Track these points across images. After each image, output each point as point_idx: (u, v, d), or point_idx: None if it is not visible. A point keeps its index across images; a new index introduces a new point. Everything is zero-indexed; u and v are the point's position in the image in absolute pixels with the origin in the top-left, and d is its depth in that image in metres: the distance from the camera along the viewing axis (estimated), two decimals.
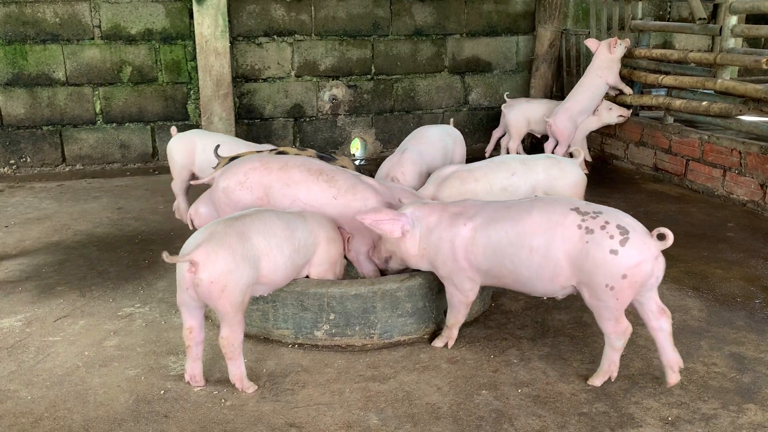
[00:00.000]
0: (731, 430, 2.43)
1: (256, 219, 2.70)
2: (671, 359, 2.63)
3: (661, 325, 2.60)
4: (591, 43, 5.80)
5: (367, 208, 3.08)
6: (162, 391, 2.68)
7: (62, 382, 2.75)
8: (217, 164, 4.02)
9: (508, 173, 3.67)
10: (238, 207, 3.16)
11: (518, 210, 2.70)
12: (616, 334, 2.61)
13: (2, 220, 4.80)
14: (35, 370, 2.84)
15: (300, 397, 2.64)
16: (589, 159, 5.94)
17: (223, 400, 2.61)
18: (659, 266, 2.52)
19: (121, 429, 2.44)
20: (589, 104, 5.62)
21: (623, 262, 2.45)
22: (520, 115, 6.01)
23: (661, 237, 2.51)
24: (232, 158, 3.97)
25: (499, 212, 2.73)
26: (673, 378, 2.63)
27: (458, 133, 4.70)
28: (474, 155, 4.76)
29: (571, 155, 4.00)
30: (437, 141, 4.44)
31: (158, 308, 3.43)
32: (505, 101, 6.22)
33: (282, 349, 3.00)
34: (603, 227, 2.49)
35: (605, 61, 5.64)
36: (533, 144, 6.70)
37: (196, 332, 2.61)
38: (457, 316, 2.96)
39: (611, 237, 2.47)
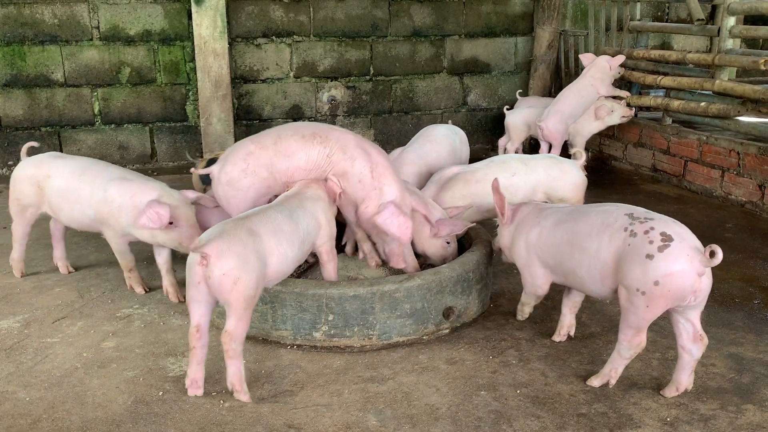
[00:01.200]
0: (730, 431, 2.43)
1: (263, 218, 2.74)
2: (683, 381, 2.61)
3: (691, 349, 2.56)
4: (586, 58, 5.87)
5: (354, 167, 3.09)
6: (160, 393, 2.68)
7: (60, 383, 2.75)
8: (196, 165, 4.01)
9: (509, 173, 3.67)
10: (247, 196, 3.17)
11: (579, 213, 2.76)
12: (629, 343, 2.56)
13: (1, 221, 4.79)
14: (33, 372, 2.83)
15: (299, 398, 2.64)
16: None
17: (221, 402, 2.61)
18: (702, 284, 2.43)
19: (119, 430, 2.44)
20: (578, 109, 5.66)
21: (657, 268, 2.39)
22: (520, 119, 6.06)
23: (712, 255, 2.40)
24: (210, 159, 3.97)
25: (568, 214, 2.80)
26: (672, 393, 2.62)
27: (463, 132, 4.70)
28: (473, 156, 4.75)
29: (570, 156, 4.00)
30: (444, 140, 4.42)
31: (156, 309, 3.42)
32: (516, 99, 6.30)
33: (281, 350, 3.00)
34: (646, 232, 2.45)
35: (600, 72, 5.70)
36: (532, 145, 6.70)
37: (202, 332, 2.60)
38: (528, 299, 3.15)
39: (651, 242, 2.42)
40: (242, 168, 3.17)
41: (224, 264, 2.46)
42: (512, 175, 3.67)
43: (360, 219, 3.19)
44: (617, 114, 5.75)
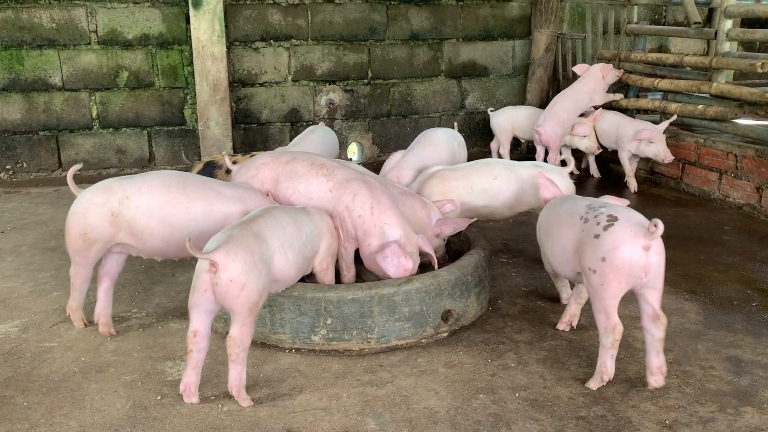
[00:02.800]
0: None
1: (268, 218, 2.74)
2: (652, 364, 2.67)
3: (651, 329, 2.64)
4: (579, 68, 5.93)
5: (355, 201, 3.11)
6: (159, 397, 2.67)
7: (59, 387, 2.74)
8: (192, 167, 4.03)
9: (490, 176, 3.69)
10: None
11: (562, 200, 3.09)
12: (605, 330, 2.65)
13: None
14: (31, 376, 2.83)
15: (297, 401, 2.64)
16: (576, 172, 5.86)
17: (220, 405, 2.60)
18: (650, 260, 2.54)
19: None
20: (573, 114, 5.69)
21: (602, 245, 2.57)
22: (504, 120, 6.09)
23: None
24: (207, 162, 3.97)
25: (557, 201, 3.12)
26: (652, 381, 2.67)
27: (460, 136, 4.71)
28: (471, 159, 4.76)
29: (563, 163, 4.00)
30: (444, 143, 4.43)
31: (155, 313, 3.42)
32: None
33: (279, 354, 2.99)
34: (596, 216, 2.68)
35: (592, 80, 5.74)
36: (530, 149, 6.71)
37: (200, 337, 2.58)
38: (554, 281, 3.43)
39: (598, 223, 2.64)
40: (252, 175, 3.27)
41: (232, 270, 2.47)
42: (493, 179, 3.68)
43: (362, 255, 3.20)
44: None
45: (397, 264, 3.02)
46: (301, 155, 3.34)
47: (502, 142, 6.19)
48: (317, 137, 4.68)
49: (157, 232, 2.98)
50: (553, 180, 3.61)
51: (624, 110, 6.23)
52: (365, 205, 3.10)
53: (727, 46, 5.32)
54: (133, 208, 2.96)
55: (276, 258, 2.68)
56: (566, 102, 5.68)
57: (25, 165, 6.14)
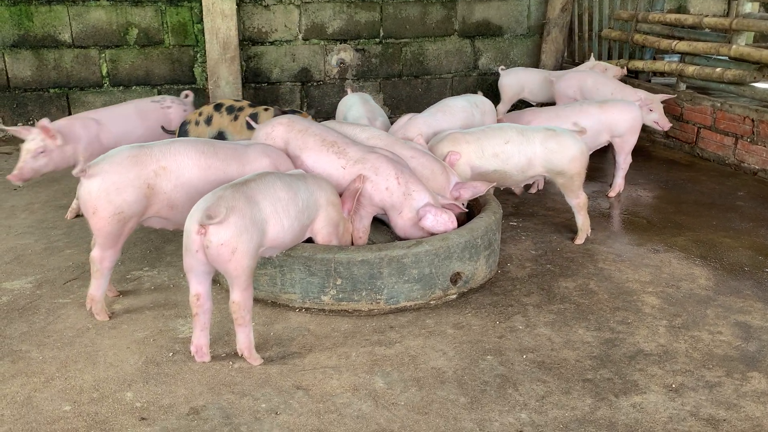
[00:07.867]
0: (735, 398, 2.45)
1: (261, 183, 2.70)
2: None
3: None
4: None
5: (379, 175, 3.12)
6: (171, 353, 2.71)
7: (73, 343, 2.79)
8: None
9: (501, 141, 3.64)
10: None
11: None
12: None
13: (11, 183, 4.81)
14: (46, 332, 2.88)
15: (307, 360, 2.67)
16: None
17: (231, 363, 2.64)
18: None
19: (130, 389, 2.48)
20: (589, 91, 5.50)
21: None
22: (514, 80, 5.92)
23: None
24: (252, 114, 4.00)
25: None
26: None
27: (488, 102, 4.61)
28: None
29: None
30: (459, 111, 4.35)
31: (166, 271, 3.45)
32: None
33: (289, 313, 3.03)
34: None
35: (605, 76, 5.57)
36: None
37: (203, 299, 2.60)
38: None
39: None
40: (267, 132, 3.36)
41: (222, 234, 2.44)
42: (505, 143, 3.64)
43: (395, 225, 3.23)
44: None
45: (443, 221, 3.13)
46: (315, 127, 3.34)
47: (504, 101, 5.98)
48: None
49: (194, 201, 2.83)
50: (560, 143, 3.61)
51: (640, 72, 6.13)
52: (390, 177, 3.13)
53: (748, 7, 5.19)
54: (173, 179, 2.87)
55: (270, 224, 2.63)
56: (591, 77, 5.46)
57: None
